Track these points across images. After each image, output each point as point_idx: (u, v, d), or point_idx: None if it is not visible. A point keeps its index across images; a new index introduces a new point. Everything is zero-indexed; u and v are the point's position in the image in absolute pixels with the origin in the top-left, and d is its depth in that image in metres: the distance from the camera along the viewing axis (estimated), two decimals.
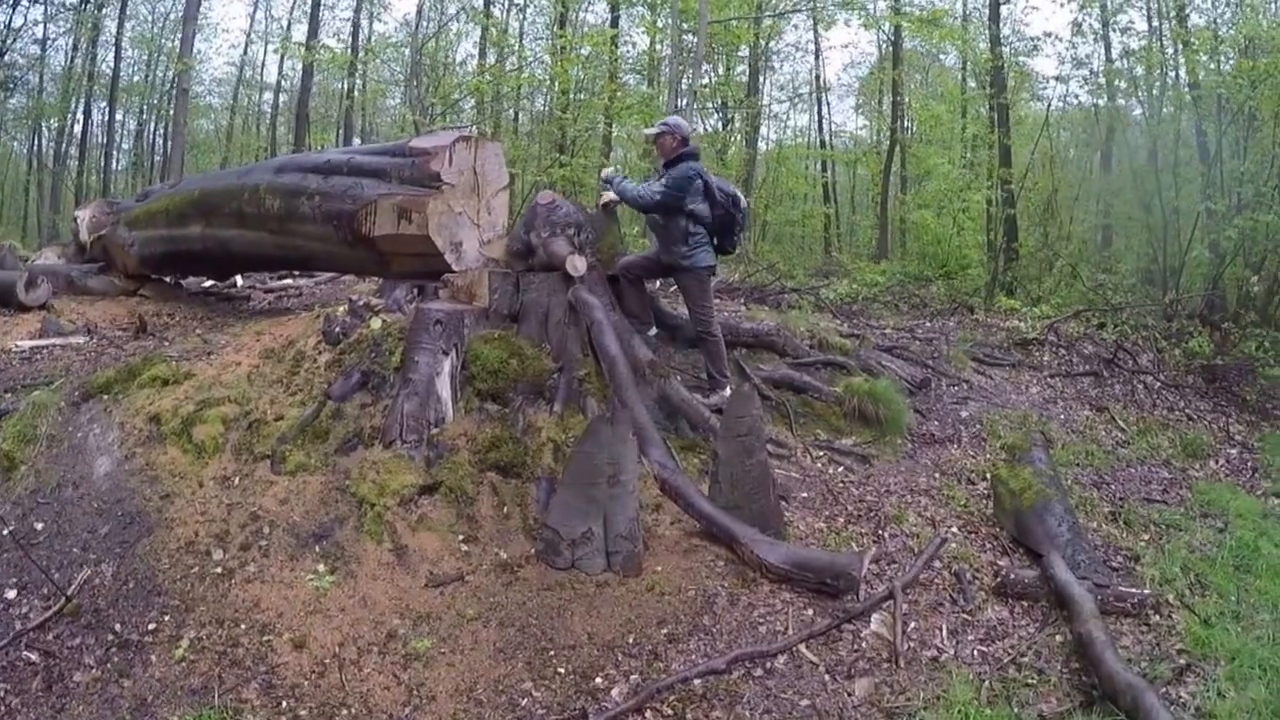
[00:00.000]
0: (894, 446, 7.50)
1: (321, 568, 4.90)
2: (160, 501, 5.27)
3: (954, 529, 6.20)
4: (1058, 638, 4.89)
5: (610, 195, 7.31)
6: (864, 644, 4.76)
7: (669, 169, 6.97)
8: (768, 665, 4.57)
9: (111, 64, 27.14)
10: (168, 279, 10.56)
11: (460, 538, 5.25)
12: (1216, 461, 8.76)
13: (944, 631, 4.95)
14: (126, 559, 4.90)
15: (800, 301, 12.28)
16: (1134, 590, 5.26)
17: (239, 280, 11.70)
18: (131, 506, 5.24)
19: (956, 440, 8.00)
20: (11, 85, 25.52)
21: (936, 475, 7.17)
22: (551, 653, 4.58)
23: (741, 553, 5.24)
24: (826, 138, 27.21)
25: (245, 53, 32.92)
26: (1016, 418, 8.66)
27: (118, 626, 4.49)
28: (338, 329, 6.36)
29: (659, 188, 6.87)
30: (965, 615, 5.12)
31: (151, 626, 4.49)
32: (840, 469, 6.93)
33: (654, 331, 7.48)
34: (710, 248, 7.16)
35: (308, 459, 5.59)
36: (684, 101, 14.26)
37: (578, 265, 6.54)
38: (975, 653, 4.81)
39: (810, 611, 4.96)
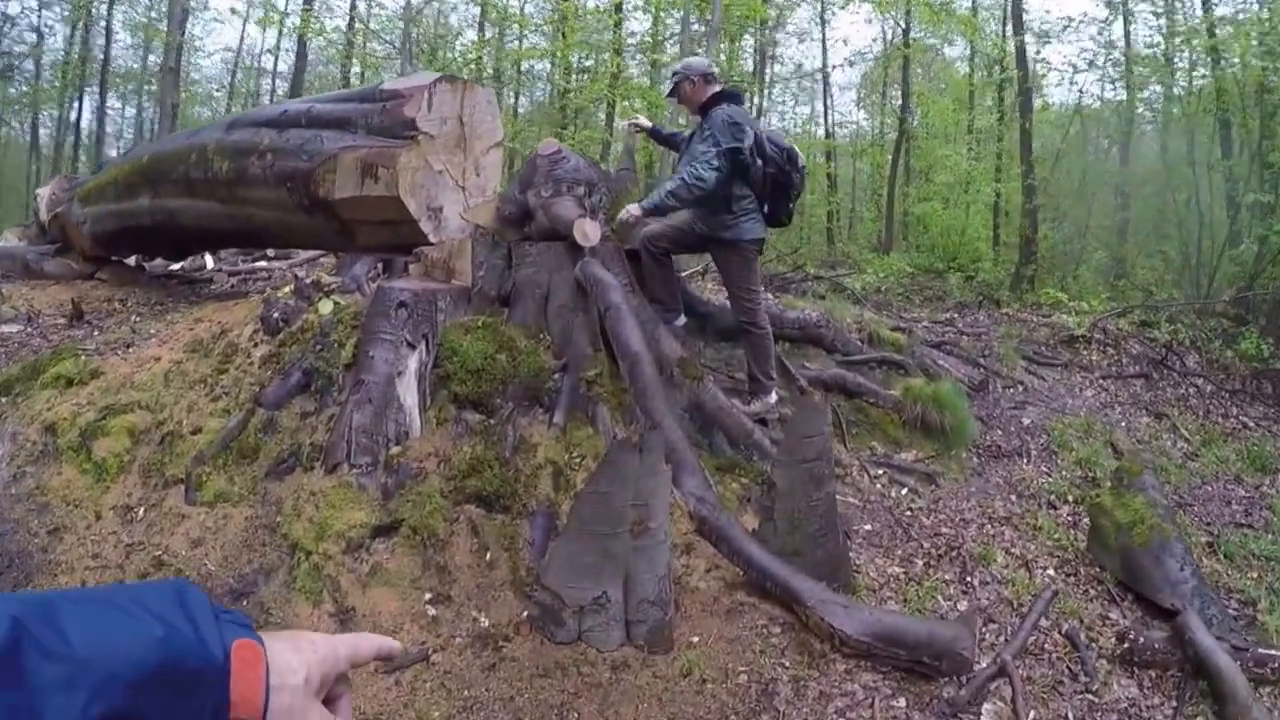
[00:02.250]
0: (959, 461, 6.20)
1: None
2: (47, 538, 4.10)
3: (1050, 570, 5.02)
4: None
5: (637, 127, 5.94)
6: None
7: (704, 121, 5.33)
8: None
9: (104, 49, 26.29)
10: (129, 261, 9.28)
11: (427, 596, 3.86)
12: None
13: None
14: None
15: (825, 291, 11.08)
16: (1276, 653, 4.13)
17: (209, 261, 10.30)
18: (13, 544, 4.08)
19: (1025, 454, 6.71)
20: (9, 73, 24.49)
21: (1013, 498, 5.95)
22: None
23: (807, 617, 3.84)
24: (831, 128, 26.13)
25: (242, 39, 32.03)
26: (1080, 426, 7.40)
27: None
28: (277, 314, 4.79)
29: (709, 155, 5.13)
30: (1091, 696, 3.90)
31: None
32: (904, 491, 5.63)
33: (682, 321, 5.87)
34: (759, 216, 5.49)
35: (230, 485, 4.26)
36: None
37: (589, 232, 4.88)
38: None
39: (902, 702, 3.61)
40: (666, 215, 5.45)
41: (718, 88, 5.40)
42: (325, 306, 4.80)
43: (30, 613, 0.69)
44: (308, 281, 5.09)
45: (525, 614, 3.75)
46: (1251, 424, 8.75)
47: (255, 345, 4.94)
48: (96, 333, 6.48)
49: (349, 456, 4.12)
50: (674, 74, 5.57)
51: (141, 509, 4.21)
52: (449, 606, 3.79)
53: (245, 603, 3.71)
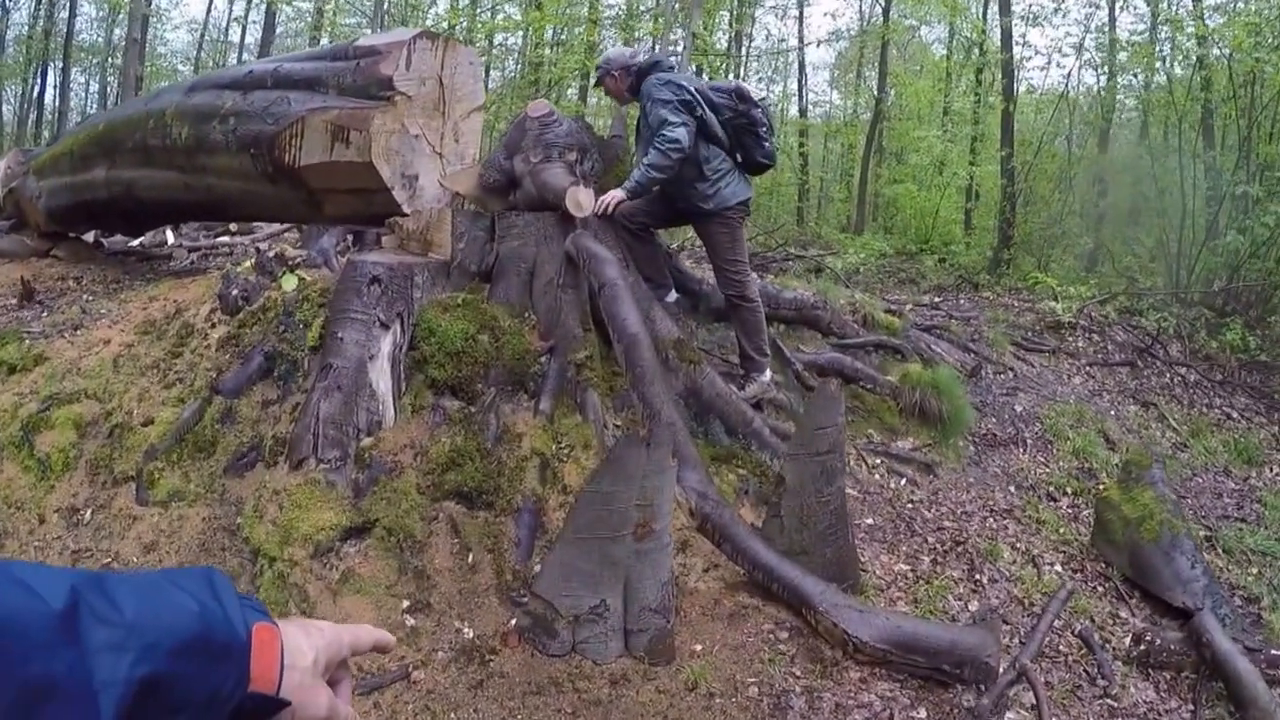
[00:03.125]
0: (956, 450, 5.96)
1: None
2: None
3: (1057, 567, 4.82)
4: None
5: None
6: None
7: (638, 96, 4.99)
8: None
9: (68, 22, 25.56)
10: (87, 237, 8.75)
11: (404, 605, 3.46)
12: (1271, 470, 7.57)
13: None
14: None
15: (803, 271, 10.81)
16: None
17: (170, 237, 9.75)
18: None
19: (1020, 442, 6.50)
20: None
21: (1012, 489, 5.77)
22: None
23: (817, 622, 3.54)
24: (805, 107, 25.74)
25: (209, 11, 31.28)
26: (1072, 414, 7.21)
27: None
28: (236, 291, 4.32)
29: (667, 121, 4.74)
30: (1110, 700, 3.75)
31: None
32: (903, 481, 5.38)
33: (673, 297, 5.45)
34: (737, 173, 5.07)
35: (185, 483, 3.85)
36: (681, 46, 12.45)
37: (583, 201, 4.45)
38: None
39: (922, 713, 3.35)
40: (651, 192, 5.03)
41: (640, 66, 5.05)
42: (289, 283, 4.34)
43: (85, 582, 0.74)
44: (270, 255, 4.61)
45: (513, 623, 3.37)
46: (1236, 415, 8.74)
47: (213, 326, 4.48)
48: (46, 314, 6.03)
49: (316, 450, 3.68)
50: (597, 68, 5.27)
51: (89, 510, 3.81)
52: (429, 616, 3.41)
53: None
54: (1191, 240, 11.77)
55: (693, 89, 4.86)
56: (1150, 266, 12.76)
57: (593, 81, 5.27)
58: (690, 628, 3.55)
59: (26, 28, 25.00)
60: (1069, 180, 14.98)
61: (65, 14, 24.62)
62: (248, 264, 4.61)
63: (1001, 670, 3.48)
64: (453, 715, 3.03)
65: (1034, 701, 3.43)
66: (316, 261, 4.78)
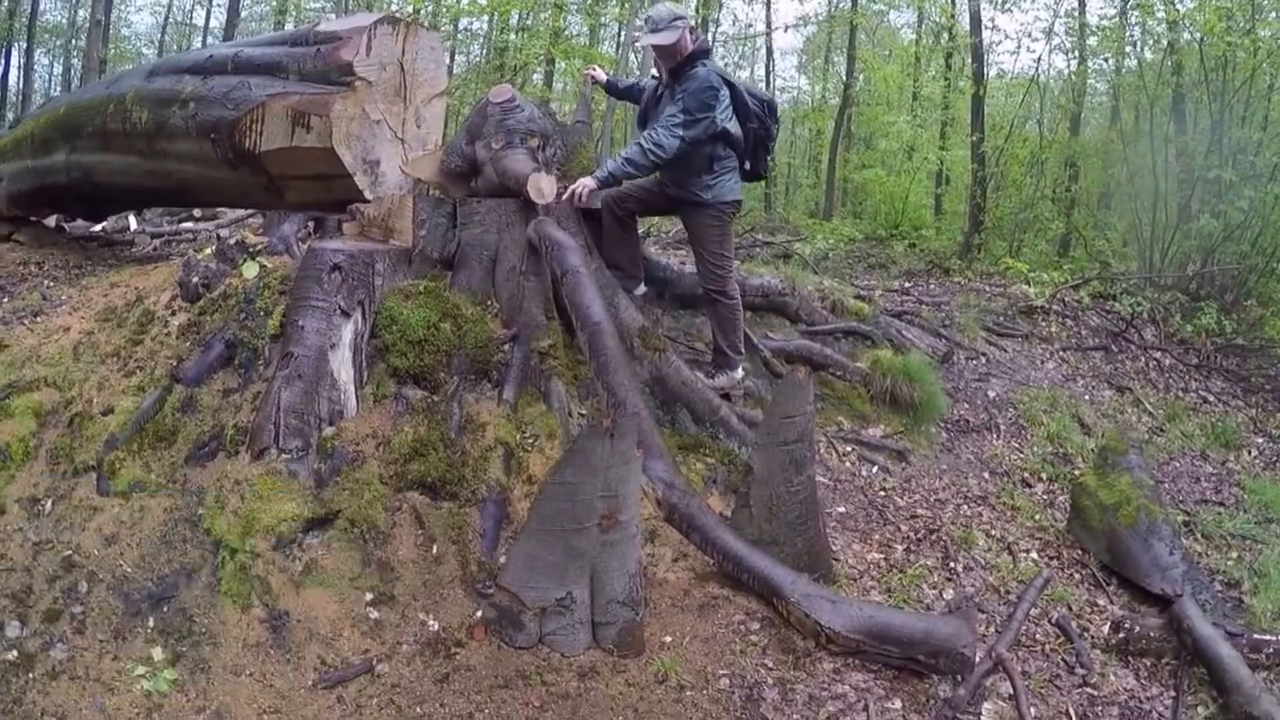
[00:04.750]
0: (928, 437, 5.97)
1: (158, 653, 3.14)
2: None
3: (1033, 554, 4.81)
4: (1201, 710, 3.68)
5: (593, 79, 5.45)
6: None
7: (678, 80, 4.75)
8: None
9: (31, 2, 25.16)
10: (49, 222, 8.63)
11: (368, 597, 3.42)
12: (1249, 453, 7.63)
13: (1073, 719, 3.52)
14: None
15: (771, 257, 10.78)
16: (1271, 638, 3.99)
17: (133, 222, 9.65)
18: None
19: (994, 428, 6.51)
20: None
21: (986, 475, 5.77)
22: None
23: (789, 612, 3.54)
24: (774, 93, 25.37)
25: None
26: (1046, 399, 7.24)
27: None
28: (196, 279, 4.24)
29: (676, 123, 4.61)
30: (1089, 689, 3.72)
31: None
32: (875, 469, 5.38)
33: (643, 290, 5.41)
34: (738, 175, 5.04)
35: (146, 473, 3.75)
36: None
37: (544, 188, 4.41)
38: None
39: (897, 703, 3.34)
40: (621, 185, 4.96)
41: (700, 46, 4.78)
42: (250, 270, 4.25)
43: None
44: (231, 242, 4.53)
45: (479, 615, 3.34)
46: (1212, 399, 8.77)
47: (173, 313, 4.40)
48: (6, 299, 5.94)
49: (277, 440, 3.63)
50: (675, 19, 4.73)
51: (50, 501, 3.72)
52: (393, 608, 3.37)
53: (166, 608, 3.27)
54: (1164, 224, 11.82)
55: (729, 94, 4.79)
56: (1123, 251, 12.80)
57: (662, 39, 4.71)
58: (660, 619, 3.54)
59: None
60: (1040, 165, 15.00)
61: None
62: (208, 251, 4.53)
63: (978, 660, 3.46)
64: (418, 709, 3.01)
65: (1011, 692, 3.41)
66: (278, 248, 4.70)
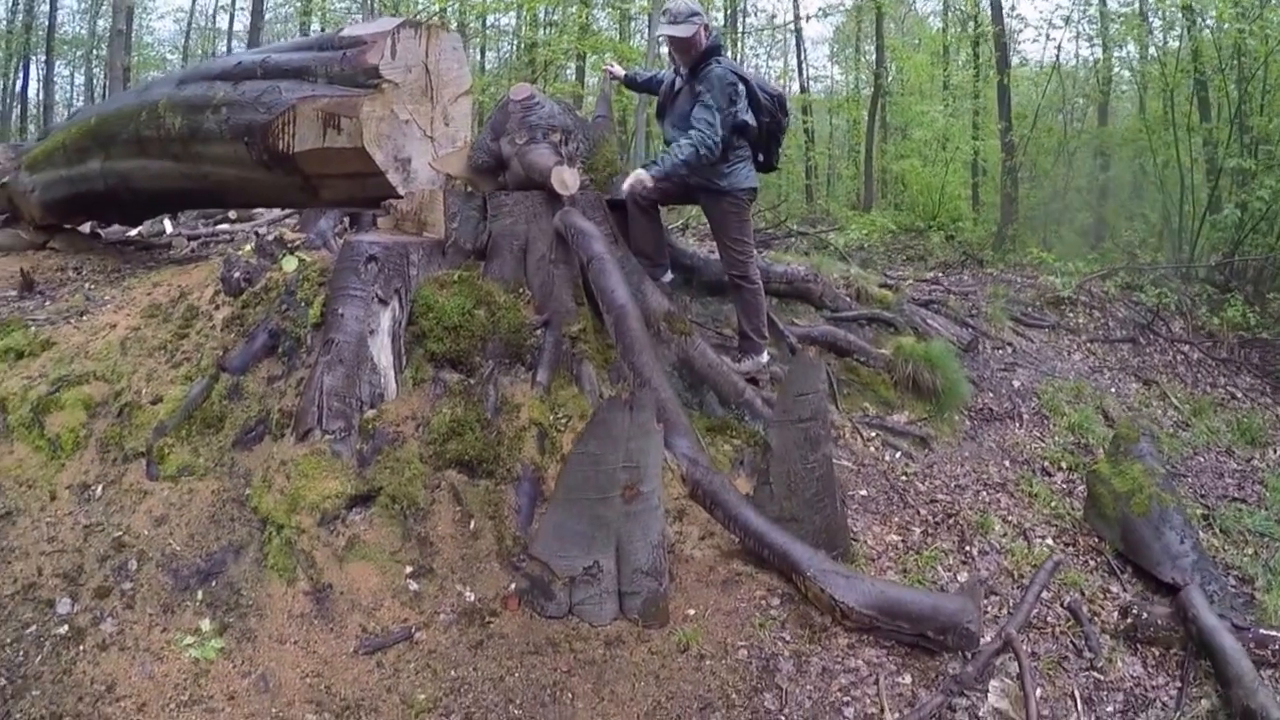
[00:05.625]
0: (952, 424, 6.09)
1: (206, 624, 3.38)
2: None
3: (1048, 540, 4.92)
4: (1204, 702, 3.72)
5: (612, 75, 5.68)
6: None
7: (696, 76, 5.04)
8: None
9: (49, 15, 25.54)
10: (83, 229, 8.91)
11: (408, 570, 3.67)
12: (1275, 450, 7.54)
13: (1078, 701, 3.64)
14: None
15: (808, 248, 10.86)
16: (1277, 633, 4.00)
17: (168, 226, 9.96)
18: None
19: (1017, 417, 6.61)
20: None
21: (1007, 463, 5.86)
22: None
23: (806, 588, 3.70)
24: (806, 82, 25.62)
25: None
26: (1071, 390, 7.33)
27: None
28: (239, 274, 4.52)
29: (713, 121, 4.88)
30: (1096, 673, 3.83)
31: None
32: (898, 454, 5.52)
33: (669, 277, 5.65)
34: (752, 165, 5.30)
35: (194, 457, 4.03)
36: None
37: (567, 180, 4.67)
38: None
39: (907, 678, 3.51)
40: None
41: (714, 42, 5.09)
42: (289, 264, 4.53)
43: None
44: (270, 238, 4.82)
45: (513, 587, 3.59)
46: (1240, 394, 8.77)
47: (216, 308, 4.68)
48: (48, 303, 6.18)
49: (321, 422, 3.89)
50: (693, 15, 4.98)
51: (100, 486, 3.96)
52: (432, 580, 3.62)
53: (213, 583, 3.51)
54: (1192, 214, 11.80)
55: (748, 84, 5.05)
56: (1151, 241, 12.77)
57: (679, 32, 5.00)
58: (685, 593, 3.73)
59: (5, 22, 25.11)
60: (1068, 154, 14.97)
61: (46, 7, 24.60)
62: (248, 248, 4.80)
63: (988, 639, 3.60)
64: (453, 673, 3.25)
65: (1018, 671, 3.50)
66: (315, 244, 4.96)
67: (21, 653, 3.24)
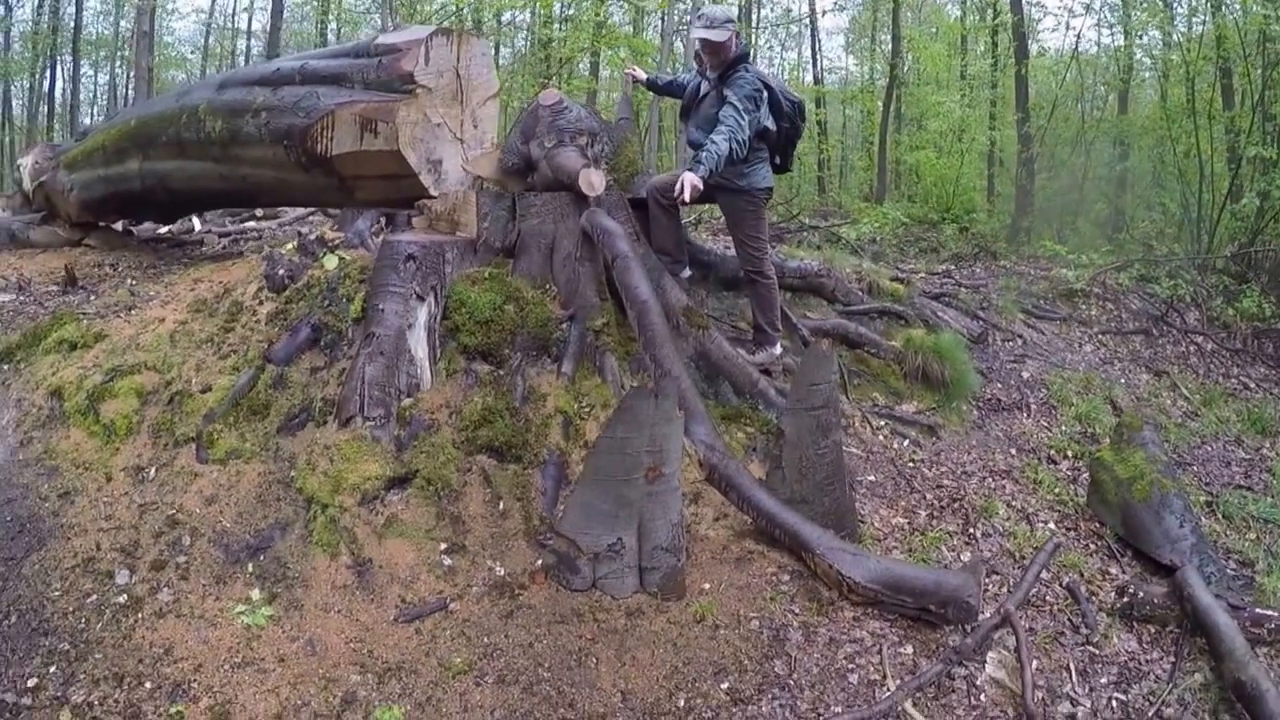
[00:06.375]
0: (960, 414, 6.27)
1: (256, 594, 3.68)
2: (58, 501, 4.09)
3: (1050, 524, 5.11)
4: (1197, 676, 3.87)
5: (634, 79, 5.95)
6: (983, 696, 3.57)
7: (725, 81, 5.27)
8: None
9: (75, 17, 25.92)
10: (116, 226, 9.23)
11: (442, 547, 3.98)
12: None
13: (1073, 673, 3.83)
14: (11, 582, 3.70)
15: (820, 242, 11.01)
16: (1272, 613, 4.13)
17: (197, 224, 10.28)
18: (23, 509, 4.05)
19: (1024, 407, 6.78)
20: None
21: (1013, 451, 6.04)
22: None
23: (815, 565, 3.94)
24: (820, 74, 25.50)
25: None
26: (1080, 381, 7.48)
27: None
28: (282, 271, 4.84)
29: (742, 121, 5.10)
30: (1092, 648, 4.01)
31: (32, 683, 3.30)
32: (906, 442, 5.71)
33: (688, 273, 5.94)
34: (769, 165, 5.59)
35: (242, 442, 4.31)
36: (689, 20, 12.66)
37: (594, 181, 4.98)
38: (1113, 702, 3.73)
39: (909, 649, 3.75)
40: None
41: (742, 49, 5.35)
42: (330, 262, 4.84)
43: None
44: (311, 238, 5.13)
45: (540, 563, 3.86)
46: (1253, 385, 8.78)
47: (260, 303, 4.98)
48: (93, 298, 6.45)
49: (362, 409, 4.20)
50: (728, 21, 5.23)
51: (153, 469, 4.23)
52: (464, 556, 3.90)
53: (262, 557, 3.79)
54: (1211, 204, 11.73)
55: (771, 90, 5.34)
56: (1169, 232, 12.72)
57: (715, 36, 5.19)
58: (700, 570, 3.98)
59: (31, 24, 25.44)
60: (1086, 144, 14.93)
61: (72, 9, 25.02)
62: (290, 246, 5.11)
63: (988, 616, 3.80)
64: (485, 639, 3.53)
65: (1016, 644, 3.68)
66: (354, 243, 5.27)
67: (83, 619, 3.50)
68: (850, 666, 3.60)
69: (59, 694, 3.24)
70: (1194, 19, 14.28)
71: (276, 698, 3.24)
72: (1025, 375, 7.34)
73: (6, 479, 4.19)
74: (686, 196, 4.89)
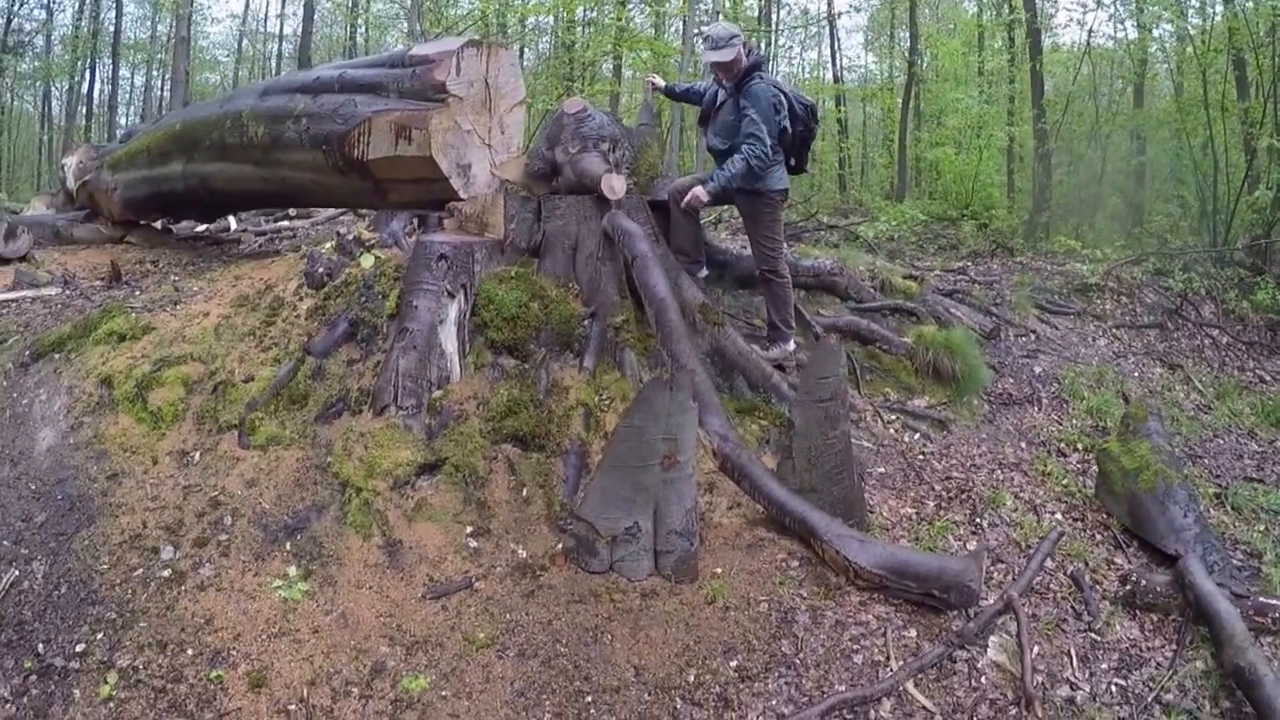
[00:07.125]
0: (970, 408, 6.32)
1: (292, 570, 3.86)
2: (106, 483, 4.29)
3: (1057, 515, 5.15)
4: (1198, 663, 3.89)
5: (654, 87, 6.12)
6: (984, 679, 3.65)
7: (740, 92, 5.42)
8: (871, 715, 3.44)
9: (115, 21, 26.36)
10: (156, 224, 9.55)
11: (468, 530, 4.14)
12: None
13: (1073, 659, 3.88)
14: (61, 556, 3.92)
15: (838, 240, 11.10)
16: (1276, 602, 4.13)
17: (232, 223, 10.63)
18: (73, 489, 4.26)
19: (1036, 401, 6.80)
20: (20, 49, 24.73)
21: (1023, 445, 6.06)
22: (589, 697, 3.43)
23: (823, 551, 4.06)
24: (840, 72, 25.41)
25: (248, 4, 32.55)
26: (1092, 375, 7.47)
27: (41, 646, 3.52)
28: (321, 269, 5.05)
29: (760, 134, 5.27)
30: (1093, 635, 4.06)
31: (80, 648, 3.50)
32: (916, 436, 5.78)
33: (705, 273, 6.10)
34: (784, 168, 5.72)
35: (281, 429, 4.50)
36: (707, 21, 12.72)
37: (615, 186, 5.16)
38: (1112, 688, 3.77)
39: (913, 632, 3.85)
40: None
41: (755, 59, 5.47)
42: (367, 261, 5.05)
43: None
44: (349, 238, 5.34)
45: (560, 546, 4.02)
46: (1268, 378, 8.68)
47: (300, 299, 5.19)
48: (137, 292, 6.67)
49: (396, 399, 4.39)
50: (733, 38, 5.35)
51: (197, 453, 4.43)
52: (489, 539, 4.06)
53: (299, 537, 3.97)
54: (1227, 196, 11.56)
55: (787, 97, 5.48)
56: (1186, 225, 12.59)
57: (722, 57, 5.36)
58: (713, 555, 4.11)
59: (71, 28, 25.97)
60: (1102, 139, 14.79)
61: (112, 14, 25.50)
62: (328, 245, 5.31)
63: (992, 602, 3.88)
64: (508, 616, 3.69)
65: (1017, 629, 3.74)
66: (388, 243, 5.46)
67: (130, 591, 3.70)
68: (855, 648, 3.71)
69: (106, 659, 3.43)
70: (1206, 10, 14.10)
71: (310, 665, 3.42)
72: (1037, 370, 7.33)
73: (58, 461, 4.41)
74: (684, 203, 5.20)
